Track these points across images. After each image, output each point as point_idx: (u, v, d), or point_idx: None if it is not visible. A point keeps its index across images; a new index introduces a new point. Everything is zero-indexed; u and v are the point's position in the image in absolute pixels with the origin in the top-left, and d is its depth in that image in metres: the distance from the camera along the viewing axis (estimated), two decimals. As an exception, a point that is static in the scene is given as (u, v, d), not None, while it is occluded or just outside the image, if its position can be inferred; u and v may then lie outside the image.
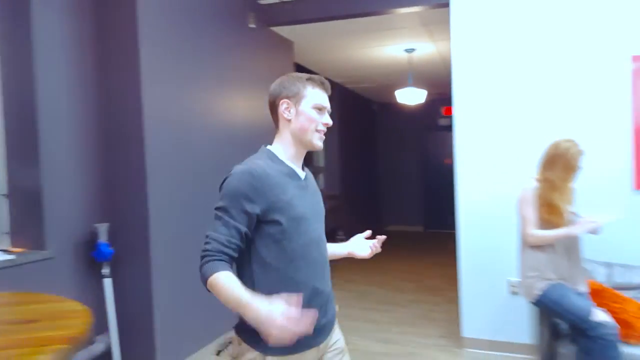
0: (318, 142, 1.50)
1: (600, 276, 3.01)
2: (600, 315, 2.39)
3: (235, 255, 1.38)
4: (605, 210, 3.01)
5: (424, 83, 6.91)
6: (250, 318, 1.25)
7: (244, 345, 1.42)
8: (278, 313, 1.20)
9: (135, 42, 2.92)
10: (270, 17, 4.37)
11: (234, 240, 1.36)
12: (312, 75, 1.52)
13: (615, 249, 3.13)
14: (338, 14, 4.25)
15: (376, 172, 9.47)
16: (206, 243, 1.37)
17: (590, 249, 3.03)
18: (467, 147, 3.53)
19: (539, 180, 2.61)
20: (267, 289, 1.36)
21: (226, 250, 1.35)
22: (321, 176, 7.08)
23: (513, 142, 3.42)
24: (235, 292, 1.28)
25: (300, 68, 6.13)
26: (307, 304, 1.36)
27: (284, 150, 1.51)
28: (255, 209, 1.37)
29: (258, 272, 1.41)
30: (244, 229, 1.37)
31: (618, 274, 3.02)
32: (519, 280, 2.72)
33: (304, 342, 1.38)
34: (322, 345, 1.53)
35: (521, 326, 3.26)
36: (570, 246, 2.59)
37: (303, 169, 1.56)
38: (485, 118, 3.48)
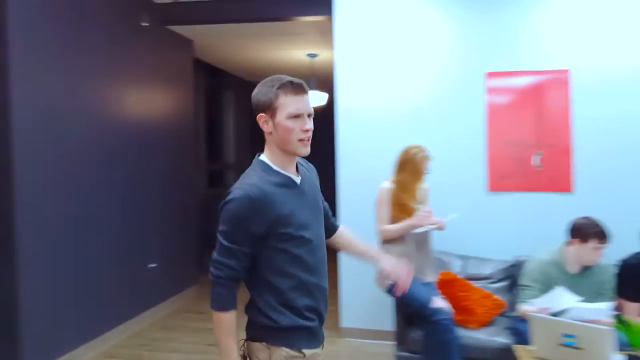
0: (302, 149, 1.48)
1: (456, 267, 3.37)
2: (438, 303, 2.70)
3: (243, 277, 1.49)
4: (463, 209, 3.39)
5: (327, 87, 7.19)
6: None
7: (272, 347, 1.49)
8: None
9: (3, 35, 2.85)
10: (166, 17, 4.39)
11: (242, 264, 1.45)
12: (284, 82, 1.46)
13: (470, 243, 3.52)
14: (235, 17, 4.36)
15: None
16: (217, 268, 1.45)
17: (449, 243, 3.40)
18: (348, 149, 3.78)
19: (392, 182, 2.90)
20: (284, 294, 1.47)
21: (237, 276, 1.45)
22: (231, 174, 7.13)
23: (388, 145, 3.71)
24: (230, 343, 1.45)
25: (204, 65, 6.16)
26: (316, 302, 1.52)
27: (274, 159, 1.51)
28: (258, 229, 1.43)
29: (272, 280, 1.47)
30: (249, 250, 1.45)
31: (471, 265, 3.39)
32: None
33: (319, 338, 1.55)
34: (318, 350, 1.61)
35: (391, 315, 3.57)
36: (420, 241, 2.89)
37: (297, 169, 1.56)
38: (364, 120, 3.75)
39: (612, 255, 2.81)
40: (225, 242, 1.44)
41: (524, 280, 2.89)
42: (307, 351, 1.49)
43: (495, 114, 3.57)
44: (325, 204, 1.70)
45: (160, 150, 4.47)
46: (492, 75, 3.56)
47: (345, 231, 1.80)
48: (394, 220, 2.83)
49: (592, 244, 2.62)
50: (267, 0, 4.21)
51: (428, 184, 3.05)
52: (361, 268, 3.70)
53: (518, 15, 3.52)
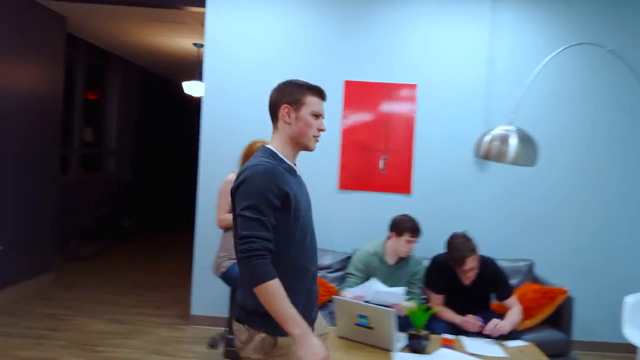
0: (313, 144, 1.65)
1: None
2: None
3: (274, 250, 1.48)
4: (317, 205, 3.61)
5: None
6: (295, 335, 1.42)
7: (252, 331, 1.51)
8: (322, 350, 1.43)
9: None
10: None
11: (272, 236, 1.47)
12: (312, 85, 1.64)
13: (319, 235, 3.74)
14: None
15: (185, 157, 9.41)
16: (250, 242, 1.43)
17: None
18: (210, 143, 3.86)
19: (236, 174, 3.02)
20: (280, 277, 1.45)
21: (270, 246, 1.46)
22: (112, 160, 6.87)
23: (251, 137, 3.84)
24: (287, 308, 1.42)
25: (84, 43, 5.91)
26: (308, 286, 1.58)
27: (282, 148, 1.63)
28: (277, 202, 1.49)
29: (273, 262, 1.47)
30: (274, 222, 1.49)
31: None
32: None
33: (307, 320, 1.51)
34: (317, 321, 1.70)
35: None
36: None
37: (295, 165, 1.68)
38: (228, 116, 3.84)
39: (434, 250, 3.18)
40: (253, 215, 1.46)
41: (349, 268, 3.17)
42: (285, 339, 1.49)
43: (350, 119, 3.84)
44: None
45: (16, 129, 4.21)
46: (349, 83, 3.84)
47: None
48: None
49: (405, 237, 2.95)
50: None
51: None
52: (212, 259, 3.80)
53: (379, 32, 3.82)
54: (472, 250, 2.79)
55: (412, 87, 3.83)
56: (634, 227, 3.80)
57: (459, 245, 2.80)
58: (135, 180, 7.37)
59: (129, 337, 3.55)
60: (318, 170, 3.82)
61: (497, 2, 3.79)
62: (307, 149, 1.66)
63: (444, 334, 2.62)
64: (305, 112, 1.61)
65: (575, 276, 3.77)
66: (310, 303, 1.62)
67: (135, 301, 4.37)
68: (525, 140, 2.69)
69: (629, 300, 3.05)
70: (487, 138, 2.75)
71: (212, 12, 3.84)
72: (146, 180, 7.66)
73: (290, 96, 1.62)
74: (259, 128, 3.79)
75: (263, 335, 1.50)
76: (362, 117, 3.85)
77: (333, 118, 3.82)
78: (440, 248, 3.68)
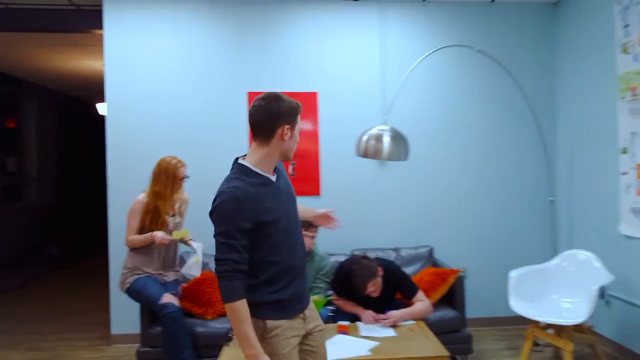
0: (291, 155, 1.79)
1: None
2: (166, 299, 2.95)
3: (246, 269, 1.64)
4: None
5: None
6: (247, 355, 1.61)
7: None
8: None
9: None
10: None
11: (244, 257, 1.63)
12: (299, 103, 1.77)
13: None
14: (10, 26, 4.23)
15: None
16: (221, 264, 1.61)
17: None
18: (117, 160, 3.90)
19: (148, 194, 3.08)
20: (269, 277, 1.70)
21: (241, 267, 1.62)
22: (33, 188, 6.70)
23: (157, 157, 3.92)
24: (247, 330, 1.60)
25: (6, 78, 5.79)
26: (293, 280, 1.76)
27: (260, 163, 1.71)
28: (247, 225, 1.63)
29: (259, 266, 1.68)
30: (246, 243, 1.64)
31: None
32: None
33: (295, 309, 1.76)
34: (306, 311, 1.83)
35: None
36: (167, 246, 3.14)
37: (275, 170, 1.77)
38: (133, 133, 3.91)
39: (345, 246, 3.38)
40: (224, 240, 1.62)
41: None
42: (273, 322, 1.70)
43: (255, 128, 4.00)
44: None
45: None
46: (252, 94, 4.01)
47: None
48: (145, 229, 3.03)
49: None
50: (41, 12, 4.16)
51: (187, 195, 3.32)
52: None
53: (277, 43, 4.01)
54: (373, 274, 2.88)
55: (313, 94, 4.05)
56: (522, 210, 4.16)
57: (359, 272, 2.88)
58: (60, 206, 7.20)
59: (46, 364, 3.53)
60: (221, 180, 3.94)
61: (384, 9, 4.07)
62: (289, 159, 1.80)
63: (340, 322, 2.81)
64: (297, 130, 1.75)
65: (472, 259, 4.09)
66: (298, 296, 1.80)
67: (57, 328, 4.31)
68: (397, 137, 2.95)
69: (514, 274, 3.37)
70: (364, 138, 2.99)
71: (110, 33, 3.90)
72: (72, 206, 7.49)
73: (289, 116, 1.71)
74: (164, 143, 3.90)
75: (254, 319, 1.66)
76: (268, 126, 4.02)
77: (239, 128, 3.97)
78: (350, 244, 3.93)
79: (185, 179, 3.19)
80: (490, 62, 3.93)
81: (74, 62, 5.65)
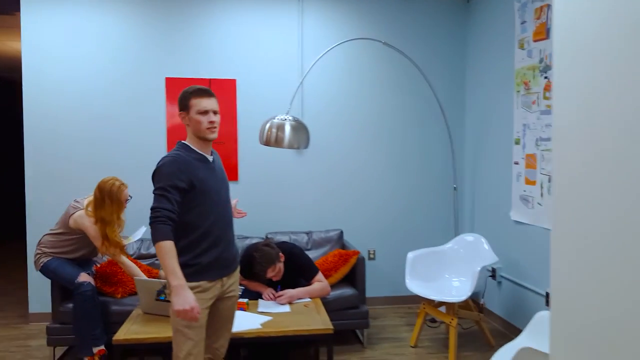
0: (210, 134, 2.08)
1: (130, 249, 3.79)
2: (82, 278, 3.06)
3: (177, 219, 1.96)
4: (142, 198, 3.84)
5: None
6: (172, 286, 1.89)
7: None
8: (190, 301, 1.90)
9: None
10: None
11: (176, 209, 1.95)
12: (194, 89, 2.08)
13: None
14: None
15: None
16: (155, 211, 1.92)
17: (126, 230, 3.79)
18: (35, 149, 3.93)
19: (94, 219, 3.05)
20: (191, 241, 2.03)
21: (172, 215, 1.94)
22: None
23: (77, 146, 3.97)
24: (173, 264, 1.90)
25: None
26: (213, 247, 2.07)
27: (193, 142, 2.10)
28: (182, 184, 1.97)
29: (184, 228, 2.02)
30: (179, 199, 1.97)
31: (144, 246, 3.86)
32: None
33: (213, 274, 2.09)
34: (225, 278, 2.15)
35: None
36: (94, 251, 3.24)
37: (212, 154, 2.16)
38: (52, 121, 3.93)
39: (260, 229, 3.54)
40: (161, 193, 1.95)
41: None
42: (203, 283, 2.05)
43: (172, 114, 4.11)
44: None
45: None
46: (170, 80, 4.09)
47: None
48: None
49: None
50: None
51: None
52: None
53: (198, 30, 4.10)
54: (272, 261, 3.09)
55: (232, 82, 4.18)
56: (428, 197, 4.48)
57: (259, 259, 3.07)
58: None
59: (-41, 343, 3.57)
60: (148, 164, 4.05)
61: (304, 1, 4.23)
62: (207, 139, 2.09)
63: (240, 299, 3.02)
64: (192, 113, 2.07)
65: (381, 242, 4.39)
66: (218, 263, 2.11)
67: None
68: (298, 127, 3.14)
69: (410, 255, 3.67)
70: (267, 126, 3.17)
71: (27, 16, 3.88)
72: None
73: (180, 104, 2.10)
74: (81, 126, 3.95)
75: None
76: (189, 112, 4.13)
77: (157, 114, 4.07)
78: (265, 228, 4.13)
79: (128, 200, 3.16)
80: (403, 56, 4.17)
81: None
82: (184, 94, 2.09)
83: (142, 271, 3.44)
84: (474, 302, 4.02)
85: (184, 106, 2.08)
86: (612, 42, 0.89)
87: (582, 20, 0.98)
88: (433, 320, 4.04)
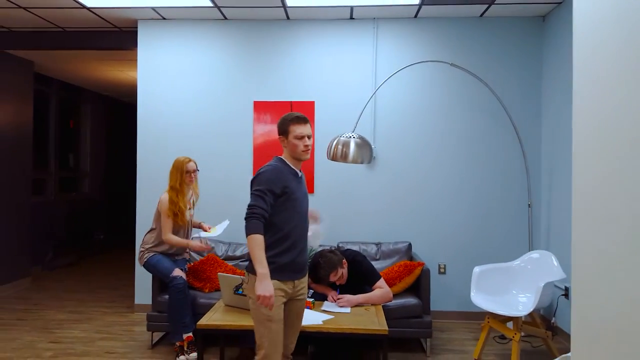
0: (305, 156, 2.45)
1: (221, 250, 4.28)
2: (175, 272, 3.57)
3: (267, 219, 2.31)
4: (230, 207, 4.36)
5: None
6: (258, 273, 2.23)
7: (252, 277, 2.34)
8: (271, 289, 2.23)
9: None
10: (5, 43, 5.04)
11: (268, 209, 2.30)
12: (292, 116, 2.43)
13: (234, 231, 4.48)
14: (69, 45, 5.09)
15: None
16: (251, 208, 2.28)
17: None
18: (146, 156, 4.62)
19: (168, 190, 3.66)
20: (274, 240, 2.35)
21: (264, 213, 2.28)
22: (86, 181, 7.67)
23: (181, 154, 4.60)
24: (261, 255, 2.25)
25: (57, 82, 6.76)
26: (292, 249, 2.39)
27: (288, 159, 2.47)
28: (277, 189, 2.33)
29: (269, 229, 2.34)
30: (272, 202, 2.32)
31: (231, 249, 4.33)
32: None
33: (288, 275, 2.40)
34: (296, 282, 2.47)
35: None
36: (183, 232, 3.77)
37: (300, 171, 2.52)
38: (162, 134, 4.62)
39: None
40: (258, 194, 2.30)
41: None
42: (276, 282, 2.33)
43: (259, 133, 4.59)
44: None
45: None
46: (257, 102, 4.60)
47: None
48: (174, 225, 3.62)
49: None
50: (88, 34, 4.98)
51: (198, 191, 3.93)
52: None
53: (281, 57, 4.59)
54: (334, 266, 3.37)
55: (311, 103, 4.58)
56: (502, 213, 4.47)
57: (323, 264, 3.36)
58: (108, 199, 8.17)
59: (81, 322, 4.29)
60: (234, 175, 4.56)
61: (379, 25, 4.54)
62: (301, 159, 2.46)
63: (308, 298, 3.32)
64: (291, 137, 2.41)
65: (452, 258, 4.45)
66: (293, 266, 2.42)
67: (94, 297, 5.12)
68: (362, 144, 3.42)
69: (477, 270, 3.72)
70: (334, 143, 3.48)
71: (142, 51, 4.64)
72: (118, 199, 8.45)
73: (280, 129, 2.45)
74: (186, 144, 4.58)
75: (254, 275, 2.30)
76: (270, 131, 4.60)
77: (245, 132, 4.58)
78: (337, 237, 4.42)
79: (195, 172, 3.71)
80: (472, 76, 4.29)
81: (120, 73, 6.51)
82: (284, 120, 2.44)
83: (227, 271, 3.90)
84: (544, 319, 3.93)
85: (283, 131, 2.43)
86: (627, 65, 1.03)
87: (601, 45, 1.14)
88: (503, 337, 4.01)
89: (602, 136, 1.12)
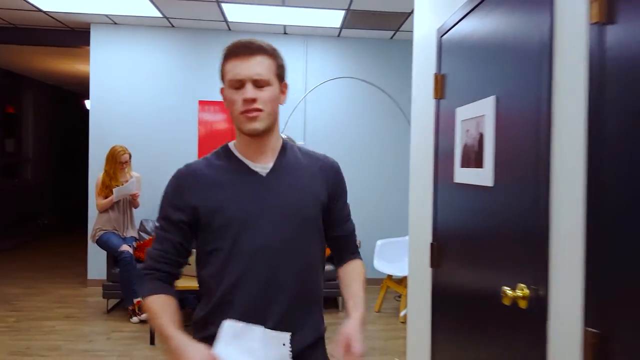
0: (245, 124, 1.19)
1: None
2: (123, 248, 4.19)
3: (176, 269, 1.24)
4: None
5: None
6: (168, 349, 1.13)
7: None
8: (200, 355, 1.08)
9: None
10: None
11: (168, 255, 1.21)
12: (229, 45, 1.23)
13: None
14: (17, 41, 5.44)
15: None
16: (146, 258, 1.26)
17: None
18: (98, 146, 5.16)
19: (103, 173, 4.34)
20: (211, 312, 1.22)
21: (159, 266, 1.21)
22: (29, 167, 7.92)
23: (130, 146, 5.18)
24: (159, 321, 1.16)
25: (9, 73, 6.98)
26: (253, 318, 1.19)
27: (237, 142, 1.28)
28: (180, 216, 1.20)
29: (202, 293, 1.26)
30: (177, 239, 1.21)
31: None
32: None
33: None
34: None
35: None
36: (121, 209, 4.39)
37: (279, 161, 1.27)
38: (112, 127, 5.16)
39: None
40: (156, 230, 1.26)
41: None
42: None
43: (205, 130, 5.27)
44: (345, 223, 1.41)
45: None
46: (202, 102, 5.26)
47: (349, 269, 1.40)
48: (105, 197, 4.30)
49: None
50: (40, 31, 5.38)
51: (138, 174, 4.56)
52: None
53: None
54: None
55: (248, 104, 5.30)
56: (395, 194, 5.47)
57: None
58: (53, 183, 8.45)
59: (37, 295, 4.80)
60: (177, 165, 5.21)
61: (309, 42, 5.34)
62: (246, 132, 1.21)
63: None
64: (226, 86, 1.22)
65: (361, 232, 5.38)
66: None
67: (47, 275, 5.60)
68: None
69: (379, 243, 4.68)
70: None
71: (95, 50, 5.14)
72: (63, 184, 8.74)
73: (221, 74, 1.25)
74: (134, 133, 5.16)
75: None
76: (215, 127, 5.28)
77: (190, 126, 5.24)
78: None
79: (127, 162, 4.34)
80: (375, 90, 5.23)
81: (66, 65, 6.86)
82: (224, 52, 1.25)
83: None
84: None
85: (221, 75, 1.27)
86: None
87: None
88: (400, 296, 5.01)
89: (424, 144, 1.96)
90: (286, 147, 1.32)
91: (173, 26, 5.18)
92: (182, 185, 1.25)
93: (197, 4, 4.45)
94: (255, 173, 1.25)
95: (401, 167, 5.45)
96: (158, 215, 1.27)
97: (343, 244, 1.42)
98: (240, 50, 1.21)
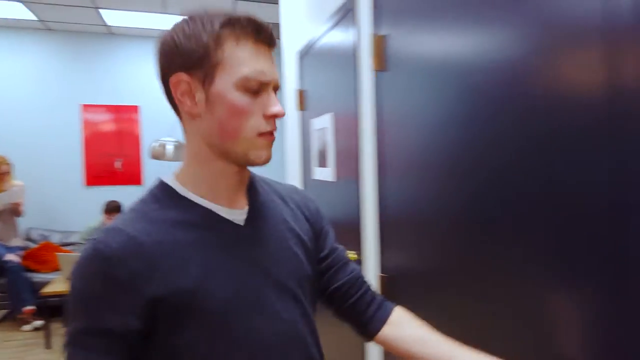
0: (262, 153, 0.77)
1: (56, 238, 4.89)
2: (8, 257, 4.15)
3: None
4: (62, 200, 4.95)
5: None
6: None
7: None
8: None
9: None
10: None
11: None
12: (234, 17, 0.73)
13: (70, 222, 5.12)
14: None
15: None
16: None
17: (55, 224, 4.88)
18: None
19: None
20: None
21: None
22: None
23: (9, 152, 5.00)
24: None
25: None
26: None
27: (196, 175, 0.79)
28: (126, 321, 0.71)
29: None
30: (109, 356, 0.71)
31: (65, 237, 4.97)
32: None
33: None
34: None
35: None
36: (5, 218, 4.31)
37: (253, 200, 0.84)
38: (-15, 137, 4.94)
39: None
40: (68, 349, 0.72)
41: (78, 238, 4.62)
42: None
43: (89, 133, 5.25)
44: (349, 267, 0.97)
45: None
46: (86, 106, 5.23)
47: (406, 320, 0.95)
48: None
49: (113, 215, 4.49)
50: None
51: (21, 182, 4.48)
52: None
53: (105, 65, 5.28)
54: None
55: (136, 108, 5.39)
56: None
57: None
58: None
59: None
60: (63, 173, 5.16)
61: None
62: (251, 163, 0.77)
63: None
64: (226, 81, 0.74)
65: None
66: None
67: None
68: (178, 145, 4.45)
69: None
70: (155, 144, 4.44)
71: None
72: None
73: (187, 51, 0.74)
74: (14, 144, 4.99)
75: None
76: (100, 130, 5.29)
77: (74, 133, 5.19)
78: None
79: (7, 173, 4.22)
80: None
81: None
82: (197, 25, 0.73)
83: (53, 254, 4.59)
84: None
85: (193, 57, 0.73)
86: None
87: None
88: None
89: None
90: (253, 180, 0.88)
91: (50, 29, 5.08)
92: (120, 269, 0.70)
93: (73, 9, 4.47)
94: (229, 223, 0.79)
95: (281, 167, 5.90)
96: (70, 327, 0.72)
97: (360, 287, 0.96)
98: (263, 34, 0.75)
